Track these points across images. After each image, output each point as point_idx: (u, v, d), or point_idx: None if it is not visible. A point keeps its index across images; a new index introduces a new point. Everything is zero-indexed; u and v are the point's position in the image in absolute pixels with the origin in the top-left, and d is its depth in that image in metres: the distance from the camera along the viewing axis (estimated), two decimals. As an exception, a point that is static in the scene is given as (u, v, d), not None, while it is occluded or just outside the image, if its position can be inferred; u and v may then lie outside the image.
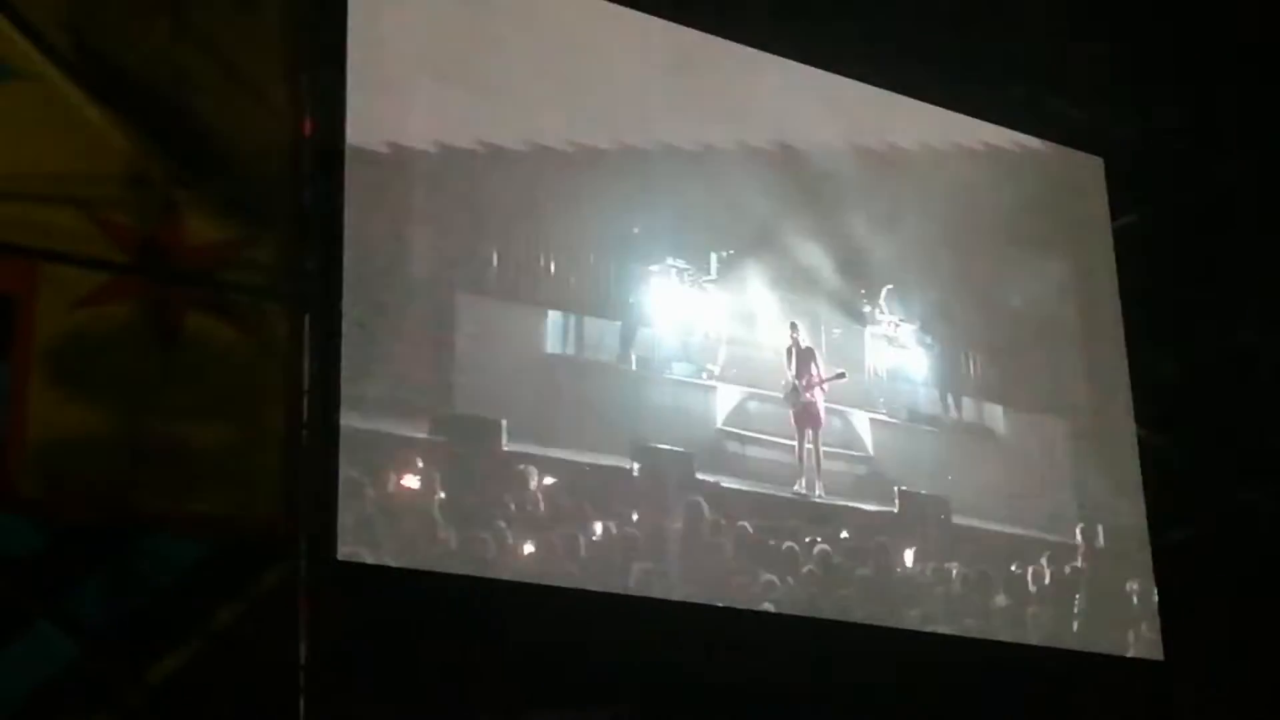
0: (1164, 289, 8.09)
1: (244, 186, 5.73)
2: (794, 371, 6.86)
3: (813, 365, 6.90)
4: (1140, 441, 7.80)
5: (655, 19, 6.90)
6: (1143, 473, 7.74)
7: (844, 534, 6.76)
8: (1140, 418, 7.84)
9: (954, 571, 7.00)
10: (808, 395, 6.85)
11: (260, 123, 5.79)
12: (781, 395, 6.81)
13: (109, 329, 5.45)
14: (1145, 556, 7.58)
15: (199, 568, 5.44)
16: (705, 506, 6.43)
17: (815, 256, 7.10)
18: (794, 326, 6.91)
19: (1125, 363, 7.90)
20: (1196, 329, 8.09)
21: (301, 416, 5.65)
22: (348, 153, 5.90)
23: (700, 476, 6.47)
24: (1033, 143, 8.02)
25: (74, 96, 5.53)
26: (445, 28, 6.36)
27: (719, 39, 7.05)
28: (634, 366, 6.50)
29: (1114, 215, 8.16)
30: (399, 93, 6.14)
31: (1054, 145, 8.08)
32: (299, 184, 5.82)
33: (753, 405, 6.73)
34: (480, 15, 6.46)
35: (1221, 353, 8.02)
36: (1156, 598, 7.52)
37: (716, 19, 7.02)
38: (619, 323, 6.52)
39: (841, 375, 6.92)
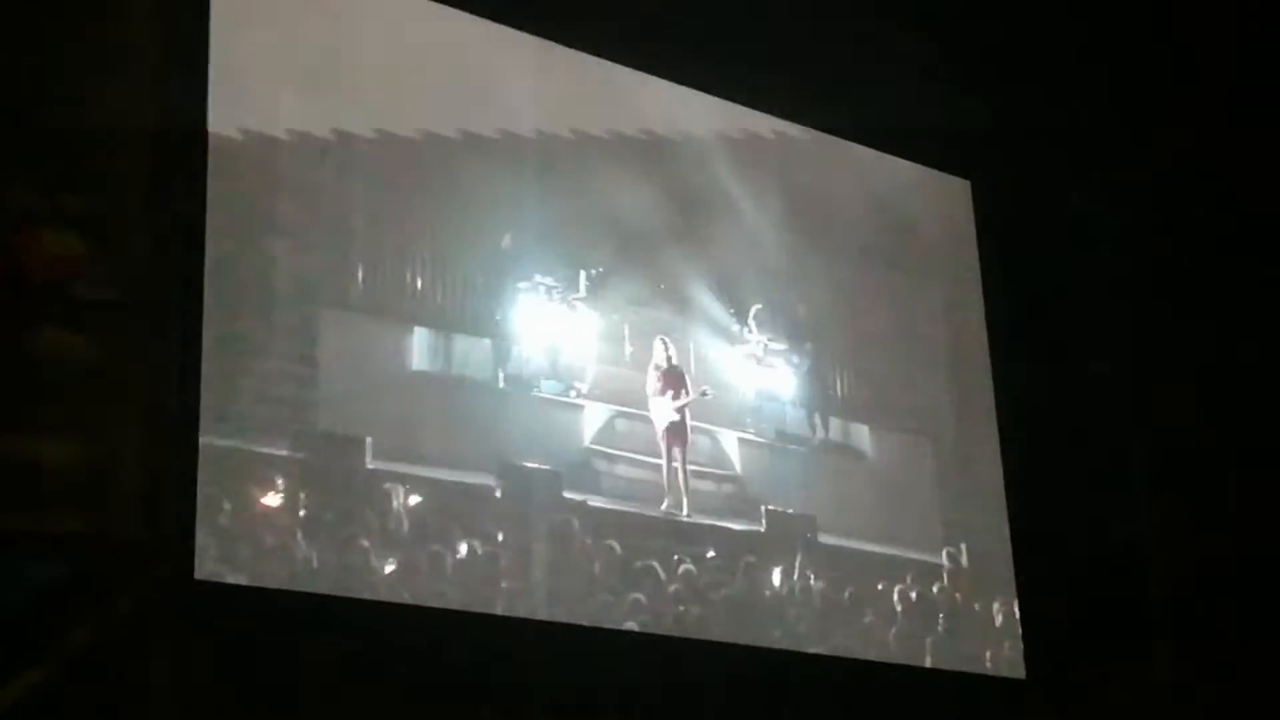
0: (1029, 311, 8.18)
1: (100, 197, 5.61)
2: (661, 390, 6.85)
3: (680, 384, 6.90)
4: (1004, 462, 7.88)
5: (522, 34, 6.87)
6: (1006, 493, 7.82)
7: (710, 553, 6.75)
8: (1005, 438, 7.92)
9: (820, 590, 7.03)
10: (675, 414, 6.84)
11: (117, 132, 5.67)
12: (649, 414, 6.80)
13: (-42, 342, 5.30)
14: (1009, 576, 7.66)
15: (50, 589, 5.29)
16: (572, 525, 6.41)
17: (685, 275, 7.11)
18: (662, 345, 6.91)
19: (991, 384, 8.00)
20: (1061, 351, 8.19)
21: (159, 433, 5.54)
22: (209, 164, 5.80)
23: (567, 495, 6.44)
24: (901, 165, 8.09)
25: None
26: (308, 38, 6.27)
27: (587, 55, 7.04)
28: (502, 384, 6.46)
29: (980, 237, 8.24)
30: (262, 104, 6.06)
31: (921, 167, 8.16)
32: (157, 195, 5.70)
33: (620, 424, 6.71)
34: (343, 26, 6.39)
35: (1085, 375, 8.13)
36: (1019, 617, 7.59)
37: (583, 36, 7.00)
38: (487, 340, 6.47)
39: (705, 394, 6.92)
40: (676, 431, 6.83)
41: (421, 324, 6.31)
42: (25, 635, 5.20)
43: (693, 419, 6.89)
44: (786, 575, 6.94)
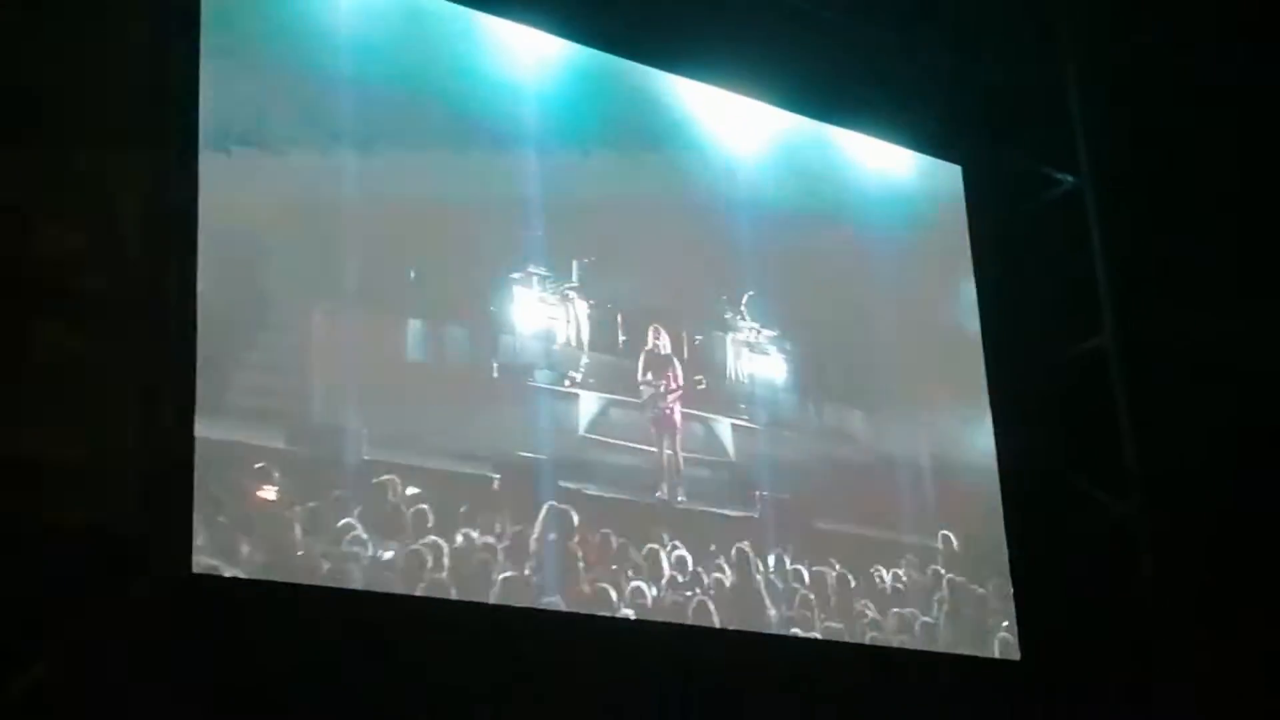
0: (1021, 294, 8.21)
1: (96, 194, 5.63)
2: (653, 378, 6.88)
3: (672, 371, 6.92)
4: (997, 445, 7.91)
5: (523, 28, 6.92)
6: (1000, 475, 7.84)
7: (705, 539, 6.78)
8: (997, 421, 7.95)
9: (815, 575, 7.06)
10: (667, 402, 6.87)
11: (113, 128, 5.69)
12: (642, 402, 6.83)
13: (-43, 339, 5.32)
14: (1003, 558, 7.70)
15: (52, 581, 5.31)
16: (568, 514, 6.43)
17: (678, 264, 7.13)
18: (655, 333, 6.94)
19: (983, 366, 8.02)
20: (1052, 332, 8.20)
21: (156, 427, 5.56)
22: (202, 157, 5.82)
23: (563, 484, 6.47)
24: (893, 150, 8.12)
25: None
26: (306, 28, 6.31)
27: (589, 49, 7.09)
28: (496, 374, 6.48)
29: (971, 221, 8.26)
30: (256, 94, 6.07)
31: (914, 153, 8.19)
32: (152, 190, 5.72)
33: (614, 412, 6.74)
34: (339, 19, 6.42)
35: (1076, 355, 8.14)
36: (1014, 599, 7.63)
37: (580, 30, 7.05)
38: (480, 330, 6.49)
39: (700, 383, 6.95)
40: (668, 419, 6.87)
41: (415, 315, 6.33)
42: (28, 627, 5.22)
43: (686, 406, 6.93)
44: (781, 560, 6.98)
